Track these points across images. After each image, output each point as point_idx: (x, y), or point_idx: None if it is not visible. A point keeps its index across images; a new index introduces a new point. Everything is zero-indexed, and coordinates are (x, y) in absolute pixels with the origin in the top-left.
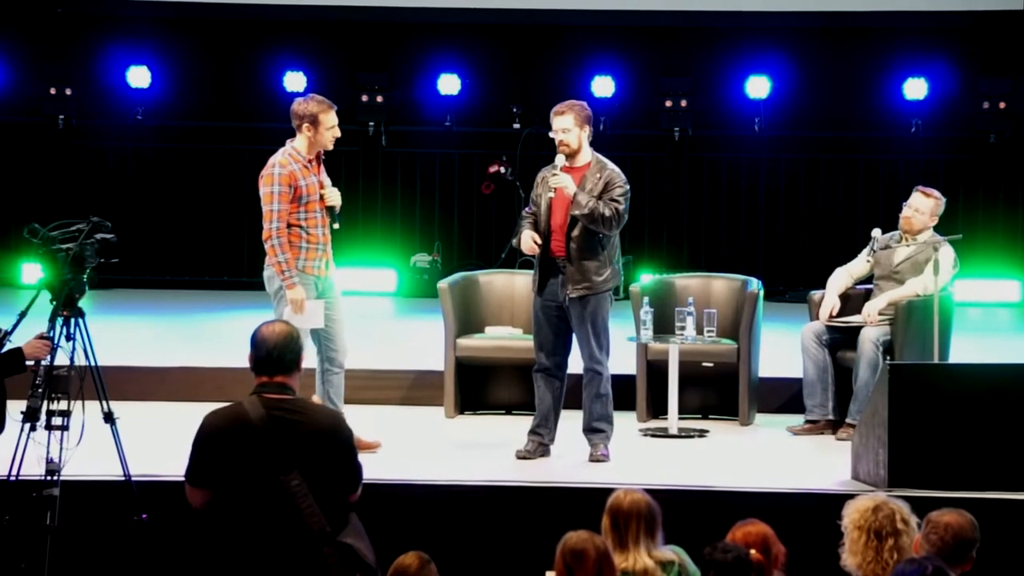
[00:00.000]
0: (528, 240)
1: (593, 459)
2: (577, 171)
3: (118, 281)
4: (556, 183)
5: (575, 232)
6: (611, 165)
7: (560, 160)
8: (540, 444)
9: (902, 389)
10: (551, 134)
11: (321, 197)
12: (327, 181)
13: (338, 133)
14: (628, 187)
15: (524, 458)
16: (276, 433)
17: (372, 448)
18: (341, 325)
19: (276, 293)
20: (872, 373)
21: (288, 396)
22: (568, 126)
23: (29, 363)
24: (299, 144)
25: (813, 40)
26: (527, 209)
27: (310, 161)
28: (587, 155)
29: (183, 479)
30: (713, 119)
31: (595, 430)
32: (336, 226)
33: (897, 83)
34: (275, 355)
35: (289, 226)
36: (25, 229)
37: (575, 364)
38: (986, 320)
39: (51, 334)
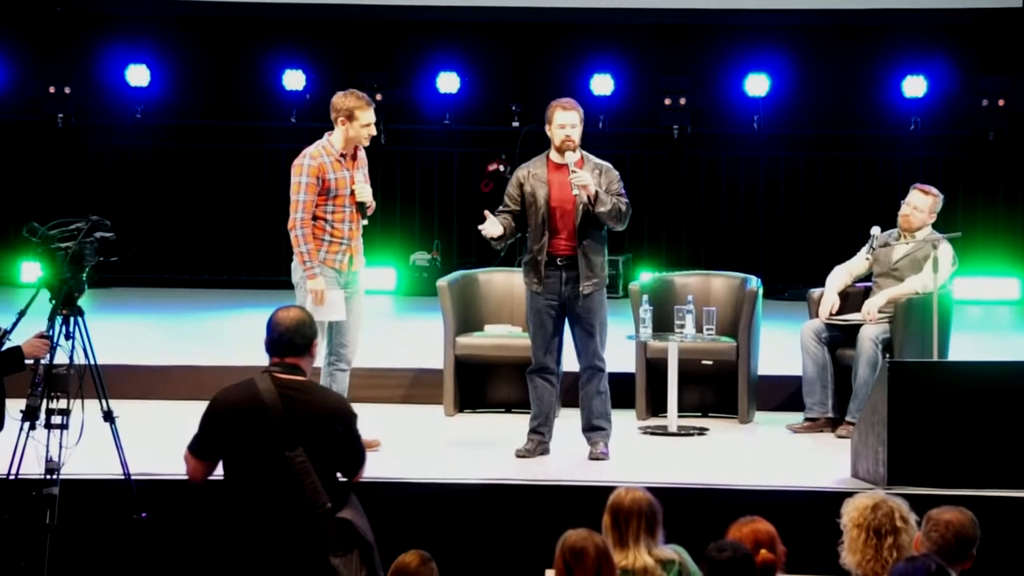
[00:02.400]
0: (494, 224)
1: (593, 457)
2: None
3: (118, 280)
4: (579, 181)
5: (586, 229)
6: (602, 160)
7: (572, 158)
8: (541, 443)
9: (901, 387)
10: (558, 128)
11: (352, 192)
12: (359, 176)
13: (374, 131)
14: (622, 181)
15: (524, 457)
16: (284, 410)
17: (372, 447)
18: (356, 319)
19: (297, 284)
20: (871, 371)
21: (298, 377)
22: (576, 122)
23: (28, 362)
24: (335, 138)
25: (812, 38)
26: (503, 207)
27: (343, 155)
28: (578, 152)
29: (186, 450)
30: (712, 117)
31: (596, 428)
32: (364, 222)
33: (896, 81)
34: (286, 337)
35: (315, 218)
36: (24, 228)
37: (569, 363)
38: (985, 318)
39: (50, 333)
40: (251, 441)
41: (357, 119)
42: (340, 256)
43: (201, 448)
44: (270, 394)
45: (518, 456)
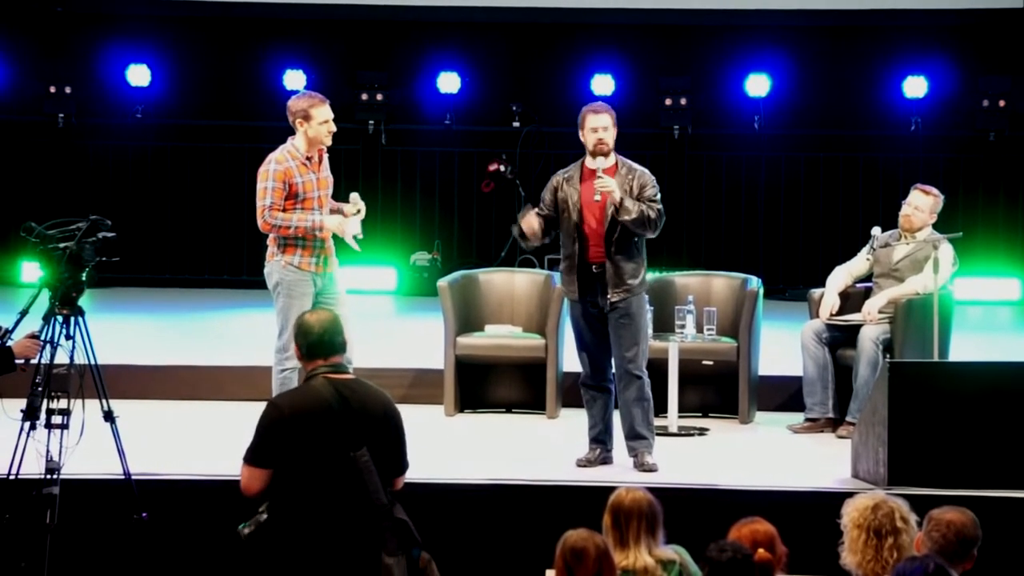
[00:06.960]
0: (531, 220)
1: (645, 468)
2: (605, 173)
3: (118, 279)
4: (603, 186)
5: (615, 236)
6: (637, 165)
7: (600, 163)
8: (603, 451)
9: (902, 387)
10: (590, 131)
11: (320, 195)
12: (361, 203)
13: (333, 128)
14: (657, 185)
15: (584, 466)
16: (347, 410)
17: None
18: (345, 321)
19: (275, 288)
20: (872, 371)
21: (348, 376)
22: (608, 125)
23: (19, 362)
24: (297, 141)
25: (813, 38)
26: (538, 211)
27: (308, 158)
28: (612, 157)
29: (243, 462)
30: (713, 117)
31: (639, 436)
32: (356, 248)
33: (897, 81)
34: (327, 337)
35: None
36: (21, 227)
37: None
38: (986, 318)
39: (41, 333)
40: (317, 444)
41: (314, 118)
42: (314, 259)
43: (260, 456)
44: (332, 395)
45: (579, 465)
